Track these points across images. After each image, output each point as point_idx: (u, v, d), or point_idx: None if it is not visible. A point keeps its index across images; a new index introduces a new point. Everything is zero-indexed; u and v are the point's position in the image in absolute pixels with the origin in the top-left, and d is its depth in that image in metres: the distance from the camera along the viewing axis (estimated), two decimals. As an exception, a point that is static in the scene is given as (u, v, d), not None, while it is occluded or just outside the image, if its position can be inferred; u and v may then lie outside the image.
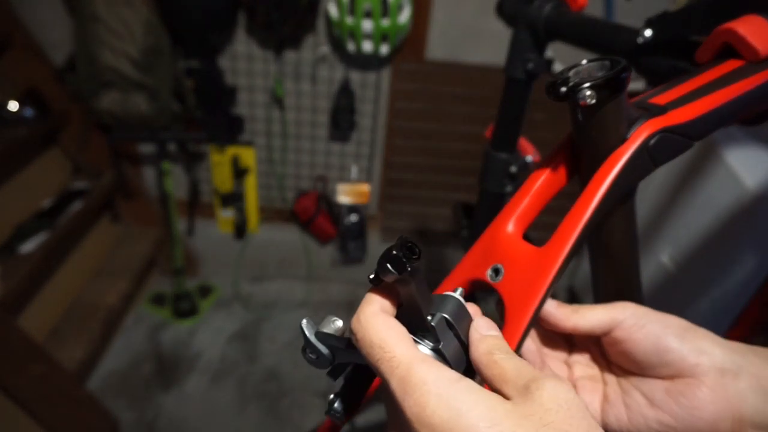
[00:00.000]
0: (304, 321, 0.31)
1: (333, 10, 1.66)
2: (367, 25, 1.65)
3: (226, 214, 2.19)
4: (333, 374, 0.32)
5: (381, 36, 1.67)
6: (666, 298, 1.58)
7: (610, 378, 0.40)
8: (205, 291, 2.26)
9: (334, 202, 2.14)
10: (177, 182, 2.08)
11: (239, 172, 2.06)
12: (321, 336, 0.31)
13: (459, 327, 0.29)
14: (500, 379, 0.26)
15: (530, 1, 0.83)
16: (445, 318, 0.29)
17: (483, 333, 0.29)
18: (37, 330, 1.62)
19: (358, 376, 0.32)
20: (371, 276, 0.28)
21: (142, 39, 1.60)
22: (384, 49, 1.72)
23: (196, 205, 2.16)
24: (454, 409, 0.23)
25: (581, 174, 0.39)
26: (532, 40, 0.85)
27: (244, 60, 1.86)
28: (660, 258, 1.61)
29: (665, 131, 0.36)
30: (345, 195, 2.09)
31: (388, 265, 0.26)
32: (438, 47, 1.87)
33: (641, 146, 0.35)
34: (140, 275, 2.09)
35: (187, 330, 2.11)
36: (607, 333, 0.37)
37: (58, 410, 1.52)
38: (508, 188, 1.00)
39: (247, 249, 2.29)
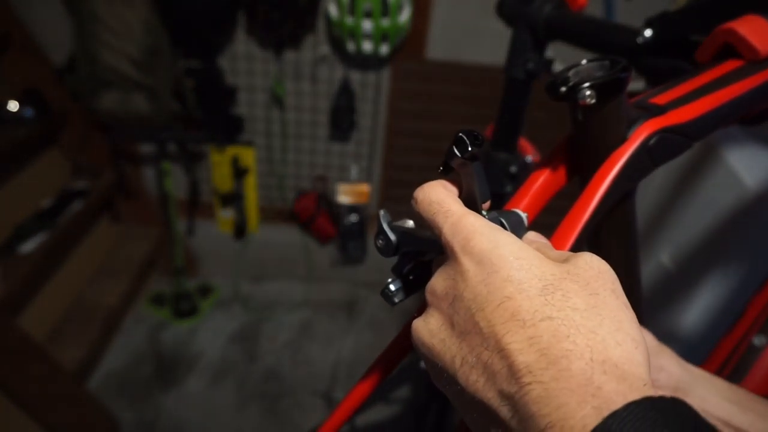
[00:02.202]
0: (382, 211, 0.36)
1: (333, 10, 1.66)
2: (367, 25, 1.65)
3: (226, 214, 2.19)
4: (396, 270, 0.36)
5: (381, 36, 1.67)
6: (666, 298, 1.58)
7: None
8: (205, 291, 2.26)
9: (334, 202, 2.14)
10: (177, 182, 2.07)
11: (239, 172, 2.06)
12: (392, 225, 0.35)
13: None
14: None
15: (530, 1, 0.83)
16: (500, 219, 0.32)
17: (531, 239, 0.32)
18: (37, 330, 1.62)
19: (418, 271, 0.36)
20: (440, 168, 0.33)
21: (142, 39, 1.59)
22: (384, 49, 1.72)
23: (196, 205, 2.16)
24: (492, 242, 0.27)
25: (581, 174, 0.39)
26: (532, 40, 0.85)
27: (244, 60, 1.86)
28: (660, 258, 1.61)
29: (665, 131, 0.36)
30: (345, 195, 2.08)
31: (454, 147, 0.30)
32: (438, 47, 1.86)
33: (641, 146, 0.35)
34: (140, 275, 2.09)
35: (187, 330, 2.11)
36: None
37: (58, 410, 1.52)
38: (508, 188, 1.00)
39: (247, 249, 2.29)
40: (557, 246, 0.34)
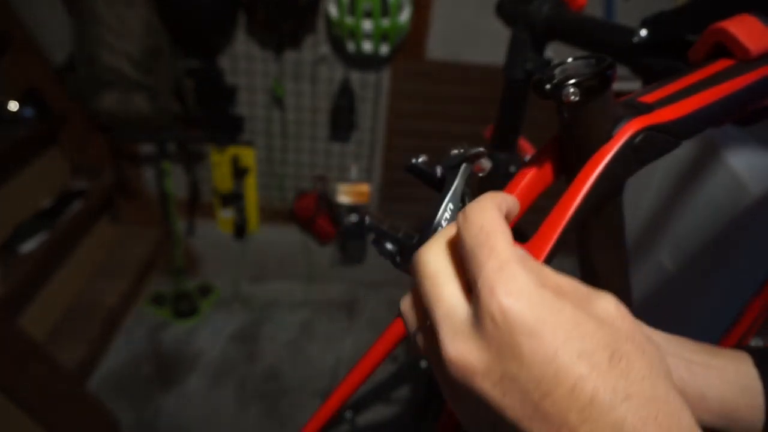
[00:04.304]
0: (366, 218, 0.39)
1: (333, 10, 1.66)
2: (367, 25, 1.65)
3: (226, 214, 2.20)
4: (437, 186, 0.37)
5: (381, 36, 1.67)
6: (665, 298, 1.58)
7: None
8: (205, 291, 2.27)
9: (334, 202, 2.14)
10: (177, 182, 2.08)
11: (239, 172, 2.06)
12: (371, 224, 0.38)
13: None
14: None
15: (529, 0, 0.83)
16: None
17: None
18: (37, 330, 1.62)
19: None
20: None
21: (142, 39, 1.60)
22: (384, 49, 1.72)
23: (196, 205, 2.16)
24: (549, 305, 0.23)
25: (567, 172, 0.39)
26: (531, 40, 0.85)
27: (244, 60, 1.86)
28: (660, 258, 1.60)
29: (650, 129, 0.36)
30: (345, 195, 2.09)
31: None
32: (438, 47, 1.86)
33: (626, 144, 0.35)
34: (140, 275, 2.09)
35: (187, 330, 2.11)
36: None
37: (58, 410, 1.52)
38: (507, 188, 0.99)
39: (247, 249, 2.29)
40: (541, 242, 0.34)
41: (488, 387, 0.23)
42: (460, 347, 0.24)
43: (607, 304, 0.24)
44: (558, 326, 0.22)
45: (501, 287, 0.23)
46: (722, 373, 0.38)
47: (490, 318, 0.23)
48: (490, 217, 0.26)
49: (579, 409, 0.21)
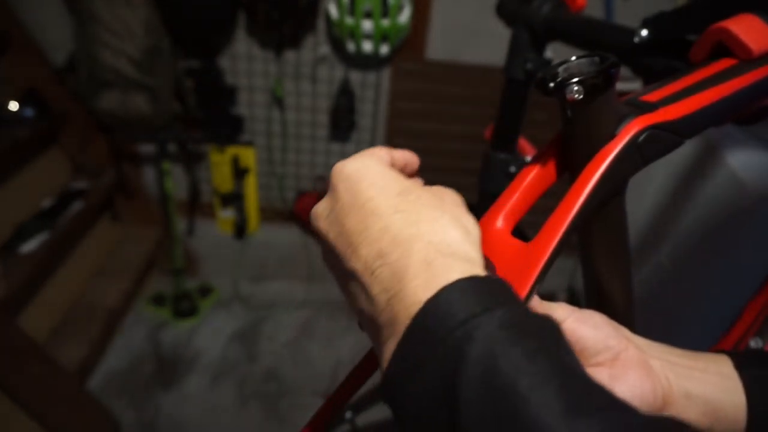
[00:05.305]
0: None
1: (333, 10, 1.66)
2: (367, 25, 1.65)
3: (226, 214, 2.20)
4: None
5: (381, 36, 1.67)
6: (665, 298, 1.58)
7: None
8: (205, 291, 2.27)
9: (334, 203, 2.14)
10: (177, 182, 2.08)
11: (239, 172, 2.06)
12: None
13: None
14: None
15: (529, 1, 0.83)
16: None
17: None
18: (37, 330, 1.62)
19: None
20: None
21: (142, 39, 1.60)
22: (384, 49, 1.72)
23: (196, 205, 2.16)
24: (358, 162, 0.32)
25: (571, 170, 0.39)
26: (531, 40, 0.85)
27: (244, 60, 1.86)
28: (660, 258, 1.61)
29: (654, 128, 0.36)
30: (345, 195, 2.08)
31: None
32: (438, 47, 1.87)
33: (630, 142, 0.35)
34: (140, 275, 2.09)
35: (187, 330, 2.11)
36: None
37: (58, 410, 1.52)
38: (507, 188, 0.99)
39: (247, 249, 2.29)
40: (544, 241, 0.34)
41: (324, 225, 0.31)
42: (317, 204, 0.33)
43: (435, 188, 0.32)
44: (366, 173, 0.30)
45: (342, 161, 0.32)
46: (705, 374, 0.39)
47: (332, 178, 0.32)
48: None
49: (362, 219, 0.28)
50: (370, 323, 0.29)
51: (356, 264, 0.28)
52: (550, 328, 0.24)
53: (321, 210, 0.32)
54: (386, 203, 0.28)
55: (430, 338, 0.23)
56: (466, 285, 0.24)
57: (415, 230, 0.27)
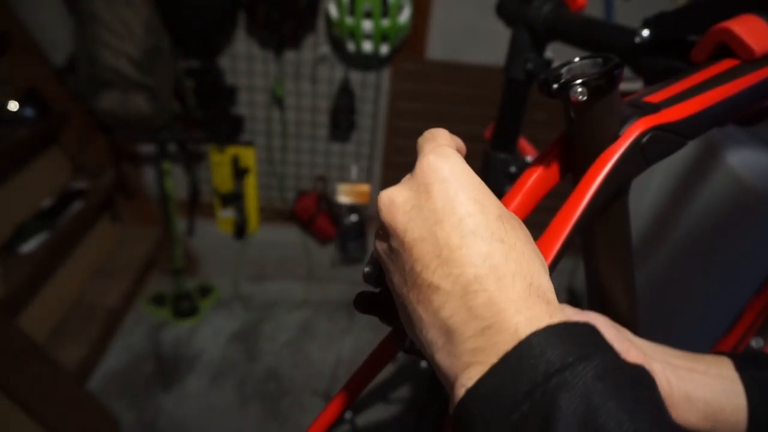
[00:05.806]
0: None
1: (333, 10, 1.66)
2: (367, 25, 1.65)
3: (226, 214, 2.20)
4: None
5: (381, 36, 1.67)
6: (666, 298, 1.58)
7: None
8: (205, 291, 2.27)
9: (334, 202, 2.14)
10: (177, 182, 2.08)
11: (239, 172, 2.06)
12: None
13: None
14: None
15: (529, 1, 0.83)
16: None
17: None
18: (37, 330, 1.62)
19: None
20: None
21: (142, 39, 1.60)
22: (384, 49, 1.72)
23: (196, 205, 2.16)
24: (459, 165, 0.30)
25: (574, 171, 0.39)
26: (531, 40, 0.85)
27: (244, 60, 1.86)
28: (660, 258, 1.61)
29: (658, 129, 0.36)
30: (345, 195, 2.08)
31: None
32: (438, 47, 1.86)
33: (633, 144, 0.35)
34: (140, 275, 2.09)
35: (187, 330, 2.11)
36: None
37: (58, 410, 1.52)
38: (508, 188, 0.99)
39: (247, 249, 2.29)
40: (548, 242, 0.34)
41: (400, 216, 0.29)
42: (391, 190, 0.31)
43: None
44: (466, 182, 0.29)
45: (433, 152, 0.30)
46: (705, 376, 0.40)
47: (419, 169, 0.30)
48: (438, 129, 0.35)
49: (461, 236, 0.27)
50: (438, 338, 0.27)
51: (441, 279, 0.27)
52: (646, 379, 0.24)
53: (401, 201, 0.30)
54: (486, 226, 0.27)
55: (526, 377, 0.23)
56: (562, 330, 0.24)
57: (516, 267, 0.26)
